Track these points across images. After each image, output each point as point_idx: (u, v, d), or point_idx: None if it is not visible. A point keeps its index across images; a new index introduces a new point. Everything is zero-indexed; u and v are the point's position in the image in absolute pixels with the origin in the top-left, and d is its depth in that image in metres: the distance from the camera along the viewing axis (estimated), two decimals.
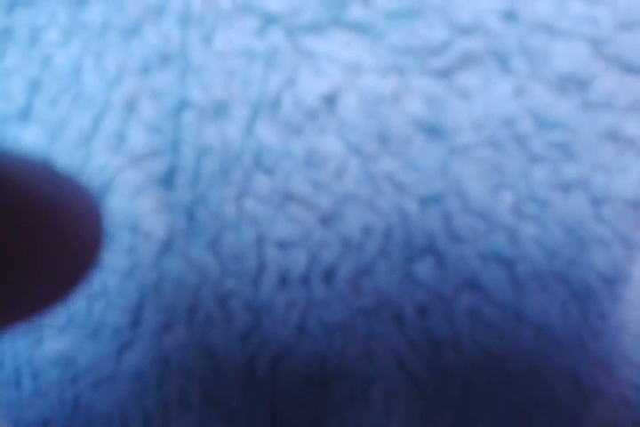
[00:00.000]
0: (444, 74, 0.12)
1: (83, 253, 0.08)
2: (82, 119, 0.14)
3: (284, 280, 0.14)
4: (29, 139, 0.15)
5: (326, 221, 0.13)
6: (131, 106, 0.13)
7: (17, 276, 0.07)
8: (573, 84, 0.13)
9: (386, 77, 0.12)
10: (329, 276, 0.14)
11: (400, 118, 0.13)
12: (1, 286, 0.07)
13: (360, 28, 0.12)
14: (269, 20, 0.12)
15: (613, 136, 0.13)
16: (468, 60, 0.12)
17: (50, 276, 0.08)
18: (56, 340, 0.16)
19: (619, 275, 0.14)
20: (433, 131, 0.13)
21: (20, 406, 0.17)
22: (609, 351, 0.15)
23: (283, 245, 0.14)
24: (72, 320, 0.15)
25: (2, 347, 0.17)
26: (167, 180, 0.14)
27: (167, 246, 0.14)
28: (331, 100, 0.13)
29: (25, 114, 0.15)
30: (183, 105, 0.13)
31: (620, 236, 0.14)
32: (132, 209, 0.14)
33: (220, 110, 0.13)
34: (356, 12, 0.12)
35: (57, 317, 0.16)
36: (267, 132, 0.13)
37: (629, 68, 0.13)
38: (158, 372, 0.15)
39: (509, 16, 0.12)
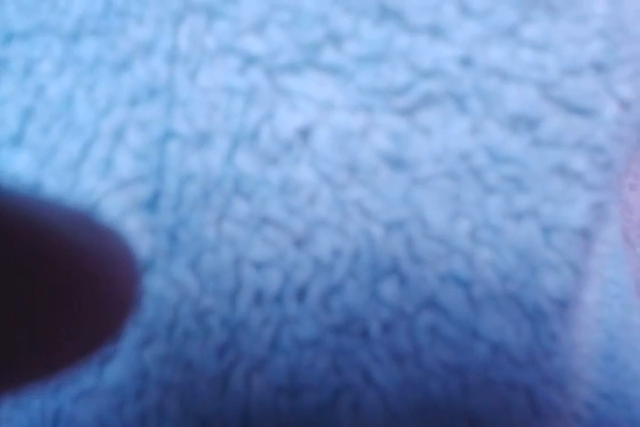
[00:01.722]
0: (408, 112, 0.14)
1: (118, 305, 0.08)
2: (72, 146, 0.15)
3: (259, 298, 0.15)
4: (21, 163, 0.15)
5: (299, 243, 0.14)
6: (119, 135, 0.14)
7: (52, 327, 0.07)
8: (524, 123, 0.14)
9: (355, 114, 0.14)
10: (301, 294, 0.15)
11: (368, 151, 0.14)
12: (37, 339, 0.07)
13: (332, 70, 0.14)
14: (250, 60, 0.14)
15: (561, 170, 0.15)
16: (428, 101, 0.14)
17: (84, 329, 0.08)
18: None
19: (568, 298, 0.15)
20: (397, 163, 0.14)
21: (0, 420, 0.17)
22: (561, 370, 0.16)
23: (258, 266, 0.15)
24: None
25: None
26: (151, 204, 0.14)
27: (150, 266, 0.15)
28: (305, 134, 0.14)
29: (17, 140, 0.16)
30: (168, 135, 0.14)
31: (568, 262, 0.15)
32: (119, 229, 0.15)
33: (202, 140, 0.14)
34: (328, 55, 0.13)
35: None
36: (246, 161, 0.14)
37: (574, 110, 0.14)
38: (138, 385, 0.15)
39: (466, 62, 0.14)
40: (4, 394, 0.07)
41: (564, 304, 0.15)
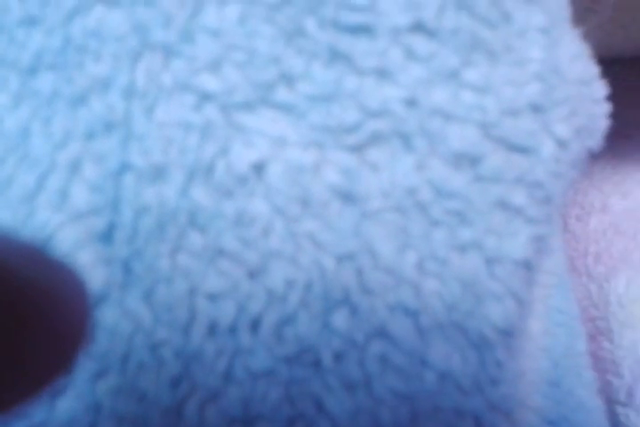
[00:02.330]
0: (357, 149, 0.14)
1: (69, 338, 0.08)
2: (27, 178, 0.15)
3: (212, 330, 0.15)
4: None
5: (253, 274, 0.15)
6: (75, 167, 0.15)
7: (5, 364, 0.07)
8: (466, 160, 0.15)
9: (307, 150, 0.14)
10: (255, 325, 0.15)
11: (319, 185, 0.14)
12: None
13: (285, 108, 0.14)
14: (206, 97, 0.14)
15: (503, 205, 0.15)
16: (376, 139, 0.14)
17: (34, 362, 0.08)
18: None
19: (512, 327, 0.16)
20: (348, 197, 0.14)
21: None
22: (507, 397, 0.16)
23: (213, 297, 0.15)
24: None
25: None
26: (106, 235, 0.15)
27: (104, 297, 0.15)
28: (259, 168, 0.14)
29: None
30: (124, 168, 0.14)
31: (511, 292, 0.16)
32: (71, 262, 0.15)
33: (158, 174, 0.14)
34: (281, 94, 0.14)
35: None
36: (201, 195, 0.14)
37: (514, 148, 0.15)
38: (91, 418, 0.15)
39: (411, 102, 0.14)
40: None
41: (508, 333, 0.16)
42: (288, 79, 0.14)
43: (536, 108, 0.16)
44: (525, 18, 0.16)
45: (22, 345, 0.07)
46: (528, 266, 0.16)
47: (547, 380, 0.20)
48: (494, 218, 0.15)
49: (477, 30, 0.15)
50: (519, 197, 0.16)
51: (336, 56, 0.14)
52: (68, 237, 0.15)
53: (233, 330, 0.15)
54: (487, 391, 0.16)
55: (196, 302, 0.15)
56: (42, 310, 0.08)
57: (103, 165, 0.14)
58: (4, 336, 0.07)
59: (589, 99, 0.17)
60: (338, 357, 0.15)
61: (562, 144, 0.16)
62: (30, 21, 0.15)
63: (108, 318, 0.15)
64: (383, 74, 0.14)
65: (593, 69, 0.17)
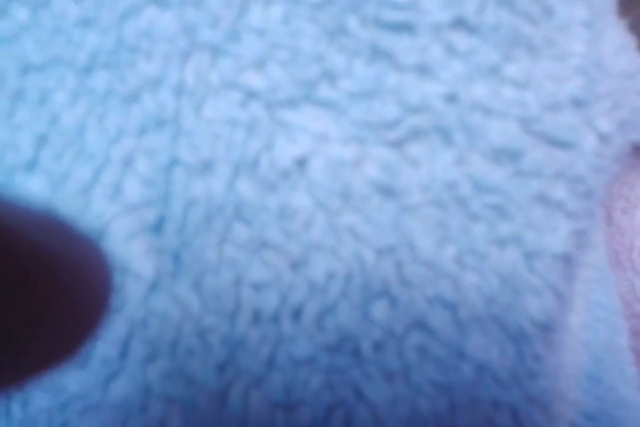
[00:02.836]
0: (397, 144, 0.15)
1: (90, 307, 0.08)
2: (83, 172, 0.16)
3: (257, 318, 0.15)
4: (34, 187, 0.16)
5: (295, 266, 0.15)
6: (128, 162, 0.15)
7: (24, 331, 0.07)
8: (506, 155, 0.15)
9: (348, 146, 0.15)
10: (296, 314, 0.15)
11: (360, 180, 0.15)
12: (9, 343, 0.07)
13: (327, 105, 0.14)
14: (251, 94, 0.15)
15: (543, 199, 0.16)
16: (416, 134, 0.14)
17: (58, 332, 0.08)
18: None
19: (551, 321, 0.16)
20: (387, 191, 0.15)
21: None
22: (545, 390, 0.16)
23: (257, 287, 0.15)
24: None
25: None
26: (157, 227, 0.15)
27: (154, 286, 0.16)
28: (301, 163, 0.15)
29: (31, 165, 0.16)
30: (174, 163, 0.15)
31: (551, 286, 0.16)
32: (124, 252, 0.16)
33: (206, 168, 0.15)
34: (324, 91, 0.14)
35: None
36: (246, 188, 0.15)
37: (555, 142, 0.15)
38: (142, 400, 0.16)
39: (451, 98, 0.14)
40: None
41: (546, 327, 0.16)
42: (330, 76, 0.14)
43: (578, 103, 0.16)
44: (568, 12, 0.15)
45: (45, 316, 0.07)
46: (568, 260, 0.16)
47: (587, 374, 0.20)
48: (534, 212, 0.15)
49: (518, 25, 0.15)
50: (559, 192, 0.16)
51: (377, 53, 0.14)
52: (122, 228, 0.16)
53: (276, 318, 0.15)
54: (525, 384, 0.16)
55: (242, 291, 0.15)
56: (64, 281, 0.08)
57: (154, 160, 0.15)
58: (28, 307, 0.07)
59: (633, 92, 0.17)
60: (377, 346, 0.15)
61: (604, 138, 0.16)
62: (86, 23, 0.15)
63: (158, 305, 0.16)
64: (424, 70, 0.14)
65: (638, 62, 0.17)
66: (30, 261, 0.07)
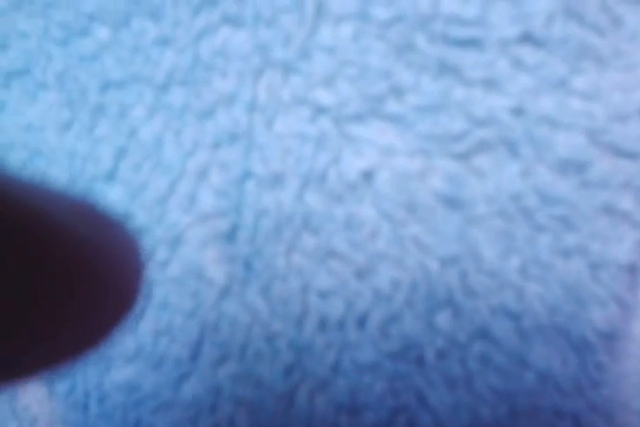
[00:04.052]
0: (463, 157, 0.15)
1: (123, 293, 0.08)
2: (160, 183, 0.17)
3: (323, 324, 0.16)
4: (114, 197, 0.17)
5: (361, 275, 0.16)
6: (202, 174, 0.16)
7: (56, 314, 0.07)
8: (573, 166, 0.15)
9: (414, 158, 0.15)
10: (362, 322, 0.16)
11: (425, 192, 0.15)
12: (42, 325, 0.07)
13: (394, 119, 0.15)
14: (320, 110, 0.15)
15: (609, 210, 0.16)
16: (482, 147, 0.15)
17: (91, 316, 0.08)
18: (123, 369, 0.18)
19: (615, 331, 0.16)
20: (453, 203, 0.15)
21: None
22: (609, 399, 0.16)
23: (323, 294, 0.16)
24: (139, 352, 0.18)
25: (74, 372, 0.19)
26: (230, 236, 0.16)
27: (226, 292, 0.16)
28: (368, 176, 0.15)
29: (111, 176, 0.17)
30: (246, 175, 0.16)
31: (615, 296, 0.16)
32: (198, 259, 0.17)
33: (276, 180, 0.16)
34: (391, 106, 0.15)
35: (126, 349, 0.18)
36: (314, 200, 0.16)
37: (621, 153, 0.15)
38: (212, 400, 0.17)
39: (518, 111, 0.15)
40: (9, 380, 0.07)
41: (610, 336, 0.16)
42: (397, 92, 0.15)
43: None
44: (637, 21, 0.15)
45: (76, 298, 0.07)
46: (633, 270, 0.16)
47: None
48: (600, 223, 0.15)
49: (586, 37, 0.15)
50: (626, 202, 0.16)
51: (444, 68, 0.15)
52: (196, 237, 0.16)
53: (342, 325, 0.16)
54: (587, 393, 0.16)
55: (309, 298, 0.16)
56: (94, 264, 0.08)
57: (228, 172, 0.16)
58: (60, 292, 0.07)
59: None
60: (440, 354, 0.16)
61: None
62: (163, 41, 0.16)
63: (229, 309, 0.16)
64: (491, 84, 0.15)
65: None
66: (66, 245, 0.07)
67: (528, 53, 0.14)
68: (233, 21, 0.15)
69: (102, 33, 0.17)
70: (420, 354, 0.16)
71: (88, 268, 0.07)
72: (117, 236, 0.08)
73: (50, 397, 0.19)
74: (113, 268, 0.08)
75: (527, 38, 0.14)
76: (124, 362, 0.18)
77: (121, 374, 0.18)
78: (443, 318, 0.15)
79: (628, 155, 0.16)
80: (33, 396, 0.20)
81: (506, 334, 0.15)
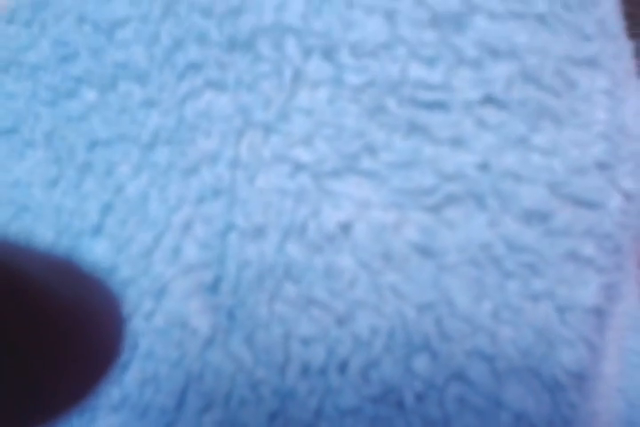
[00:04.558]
0: (434, 209, 0.16)
1: (103, 353, 0.08)
2: (145, 237, 0.17)
3: (305, 370, 0.16)
4: (100, 251, 0.18)
5: (341, 322, 0.16)
6: (186, 227, 0.17)
7: (40, 375, 0.07)
8: (537, 216, 0.16)
9: (389, 211, 0.16)
10: (343, 367, 0.16)
11: (400, 242, 0.16)
12: (24, 386, 0.07)
13: (369, 174, 0.16)
14: (299, 167, 0.16)
15: (573, 256, 0.17)
16: (452, 200, 0.16)
17: (72, 376, 0.08)
18: (109, 418, 0.18)
19: (585, 371, 0.17)
20: (426, 252, 0.16)
21: None
22: None
23: (305, 341, 0.17)
24: (124, 402, 0.18)
25: (59, 423, 0.19)
26: (213, 286, 0.17)
27: (210, 341, 0.17)
28: (346, 228, 0.16)
29: (97, 230, 0.18)
30: (229, 228, 0.17)
31: (583, 338, 0.17)
32: (182, 310, 0.17)
33: (258, 233, 0.16)
34: (365, 163, 0.16)
35: (111, 398, 0.18)
36: (295, 251, 0.16)
37: (582, 203, 0.16)
38: None
39: (483, 166, 0.16)
40: None
41: (580, 376, 0.17)
42: (371, 149, 0.16)
43: (602, 166, 0.17)
44: (589, 83, 0.17)
45: (58, 357, 0.07)
46: (599, 313, 0.17)
47: (623, 420, 0.21)
48: (565, 269, 0.16)
49: (544, 99, 0.16)
50: (589, 249, 0.17)
51: (414, 128, 0.16)
52: (180, 288, 0.17)
53: (323, 371, 0.16)
54: None
55: (291, 345, 0.17)
56: (77, 324, 0.08)
57: (211, 226, 0.16)
58: (41, 349, 0.07)
59: None
60: (419, 397, 0.16)
61: (629, 197, 0.17)
62: (149, 104, 0.17)
63: (213, 358, 0.17)
64: (457, 142, 0.16)
65: None
66: (45, 303, 0.07)
67: (491, 114, 0.16)
68: (216, 85, 0.16)
69: (90, 95, 0.18)
70: (399, 397, 0.16)
71: (69, 325, 0.08)
72: (97, 292, 0.08)
73: None
74: (94, 324, 0.08)
75: (489, 100, 0.16)
76: (109, 411, 0.18)
77: (107, 423, 0.18)
78: (420, 363, 0.16)
79: (588, 205, 0.17)
80: None
81: (481, 375, 0.16)
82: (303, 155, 0.16)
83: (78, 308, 0.08)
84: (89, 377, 0.08)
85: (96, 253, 0.18)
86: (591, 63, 0.17)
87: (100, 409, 0.18)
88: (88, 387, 0.08)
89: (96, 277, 0.08)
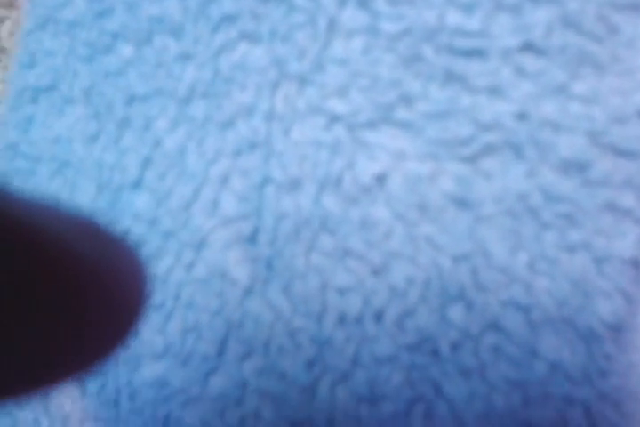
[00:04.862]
0: (471, 160, 0.16)
1: (126, 309, 0.08)
2: (184, 190, 0.18)
3: (342, 320, 0.17)
4: (140, 204, 0.18)
5: (377, 272, 0.17)
6: (224, 180, 0.17)
7: (64, 330, 0.07)
8: (575, 166, 0.16)
9: (424, 162, 0.16)
10: (379, 317, 0.17)
11: (436, 193, 0.16)
12: (49, 341, 0.07)
13: (404, 125, 0.16)
14: (334, 118, 0.16)
15: (611, 207, 0.16)
16: (489, 150, 0.16)
17: (94, 331, 0.08)
18: (153, 366, 0.19)
19: (621, 323, 0.17)
20: (462, 203, 0.16)
21: (117, 422, 0.20)
22: (617, 388, 0.17)
23: (341, 291, 0.17)
24: (167, 350, 0.19)
25: (105, 371, 0.20)
26: (251, 238, 0.17)
27: (249, 291, 0.17)
28: (381, 179, 0.16)
29: (137, 184, 0.18)
30: (266, 181, 0.17)
31: (620, 289, 0.17)
32: (222, 260, 0.17)
33: (294, 185, 0.17)
34: (401, 113, 0.16)
35: (155, 347, 0.19)
36: (331, 203, 0.16)
37: (621, 153, 0.16)
38: (238, 393, 0.18)
39: (521, 116, 0.16)
40: (18, 396, 0.07)
41: (617, 328, 0.17)
42: (407, 100, 0.16)
43: None
44: (633, 28, 0.16)
45: (81, 316, 0.08)
46: (637, 264, 0.17)
47: None
48: (603, 219, 0.16)
49: (584, 45, 0.15)
50: (628, 199, 0.16)
51: (451, 77, 0.15)
52: (219, 240, 0.17)
53: (359, 320, 0.17)
54: (596, 382, 0.17)
55: (328, 295, 0.17)
56: (100, 282, 0.08)
57: (248, 179, 0.17)
58: (64, 308, 0.07)
59: None
60: (454, 346, 0.16)
61: None
62: (185, 57, 0.17)
63: (252, 308, 0.17)
64: (495, 91, 0.15)
65: None
66: (70, 262, 0.07)
67: (529, 61, 0.15)
68: (250, 37, 0.16)
69: (126, 50, 0.18)
70: (434, 346, 0.16)
71: (91, 282, 0.08)
72: (119, 250, 0.08)
73: (82, 395, 0.20)
74: (116, 281, 0.08)
75: (528, 47, 0.15)
76: (153, 360, 0.19)
77: (150, 371, 0.19)
78: (455, 312, 0.16)
79: (628, 154, 0.16)
80: (65, 395, 0.21)
81: (516, 326, 0.16)
82: (338, 106, 0.16)
83: (101, 265, 0.08)
84: (113, 333, 0.08)
85: (137, 206, 0.18)
86: (635, 8, 0.16)
87: (144, 357, 0.19)
88: (113, 340, 0.08)
89: (121, 239, 0.09)
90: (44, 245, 0.07)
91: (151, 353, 0.19)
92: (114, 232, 0.09)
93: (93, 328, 0.08)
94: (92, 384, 0.20)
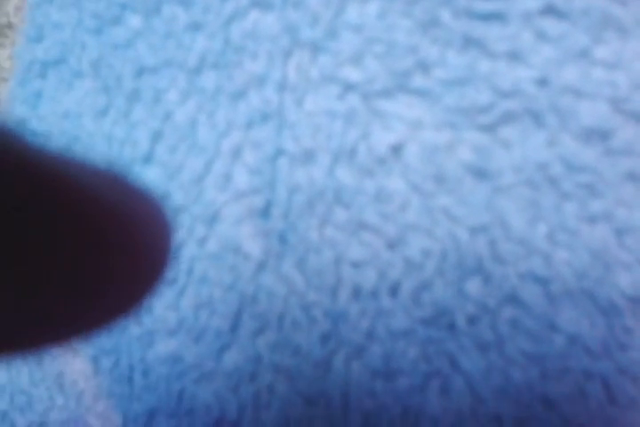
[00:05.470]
0: (490, 128, 0.15)
1: (152, 260, 0.08)
2: (195, 163, 0.17)
3: (356, 293, 0.17)
4: (151, 178, 0.18)
5: (392, 245, 0.16)
6: (236, 153, 0.17)
7: (89, 279, 0.07)
8: (597, 135, 0.15)
9: (441, 131, 0.15)
10: (394, 290, 0.16)
11: (453, 163, 0.16)
12: (73, 291, 0.07)
13: (421, 93, 0.15)
14: (349, 87, 0.16)
15: (634, 177, 0.16)
16: (508, 118, 0.15)
17: (120, 281, 0.08)
18: (166, 342, 0.19)
19: None
20: (480, 173, 0.16)
21: (130, 399, 0.20)
22: (637, 362, 0.17)
23: (356, 265, 0.17)
24: (181, 326, 0.19)
25: (118, 347, 0.20)
26: (264, 211, 0.17)
27: (262, 265, 0.17)
28: (397, 150, 0.16)
29: (148, 158, 0.18)
30: (279, 153, 0.16)
31: None
32: (234, 235, 0.17)
33: (308, 157, 0.16)
34: (417, 81, 0.15)
35: (168, 322, 0.19)
36: (345, 174, 0.16)
37: None
38: (252, 368, 0.18)
39: (542, 82, 0.15)
40: (44, 346, 0.07)
41: (637, 301, 0.16)
42: (424, 66, 0.15)
43: None
44: None
45: (107, 267, 0.07)
46: None
47: None
48: (625, 189, 0.16)
49: (608, 8, 0.15)
50: None
51: (469, 42, 0.15)
52: (232, 213, 0.17)
53: (375, 294, 0.17)
54: (616, 356, 0.17)
55: (342, 268, 0.17)
56: (126, 234, 0.08)
57: (261, 151, 0.16)
58: (90, 260, 0.07)
59: None
60: (471, 320, 0.16)
61: None
62: (195, 27, 0.17)
63: (266, 282, 0.17)
64: (515, 56, 0.15)
65: None
66: (97, 213, 0.07)
67: (551, 25, 0.15)
68: (261, 4, 0.16)
69: (134, 21, 0.18)
70: (451, 320, 0.16)
71: (119, 232, 0.08)
72: (145, 202, 0.08)
73: (95, 372, 0.20)
74: (143, 232, 0.08)
75: (550, 10, 0.15)
76: (166, 335, 0.19)
77: (164, 346, 0.19)
78: (473, 285, 0.16)
79: None
80: (79, 371, 0.21)
81: (535, 298, 0.16)
82: (352, 74, 0.15)
83: (129, 215, 0.08)
84: (138, 284, 0.08)
85: (148, 180, 0.18)
86: None
87: (157, 333, 0.19)
88: (138, 296, 0.08)
89: (147, 191, 0.08)
90: (72, 193, 0.07)
91: (164, 329, 0.19)
92: (138, 185, 0.08)
93: (116, 277, 0.08)
94: (106, 361, 0.20)
